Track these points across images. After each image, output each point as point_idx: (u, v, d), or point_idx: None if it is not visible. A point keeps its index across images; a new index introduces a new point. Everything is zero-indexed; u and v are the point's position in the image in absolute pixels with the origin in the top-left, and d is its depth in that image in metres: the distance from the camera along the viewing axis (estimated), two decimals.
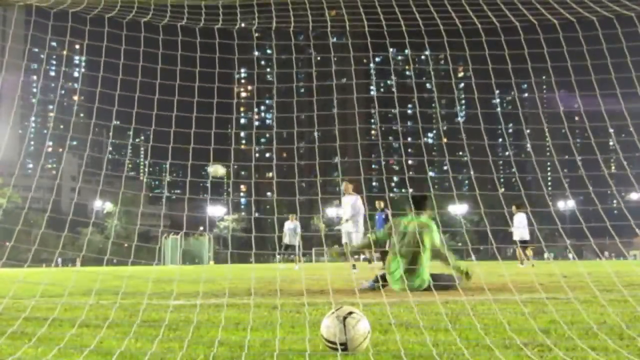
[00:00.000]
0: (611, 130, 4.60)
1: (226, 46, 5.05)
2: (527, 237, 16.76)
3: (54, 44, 5.49)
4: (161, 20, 4.32)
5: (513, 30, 4.39)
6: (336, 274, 12.19)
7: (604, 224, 3.87)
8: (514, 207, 16.55)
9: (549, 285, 6.93)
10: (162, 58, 4.49)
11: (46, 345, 2.81)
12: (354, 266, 12.65)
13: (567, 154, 6.04)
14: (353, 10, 4.70)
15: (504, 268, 13.13)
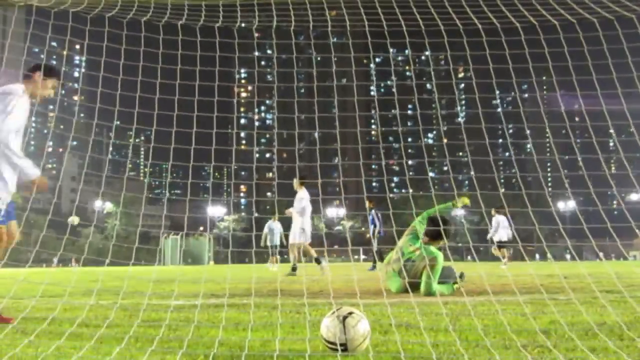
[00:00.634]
0: (611, 131, 4.60)
1: (226, 46, 5.06)
2: (505, 238, 17.58)
3: (54, 43, 5.48)
4: (161, 19, 4.32)
5: (514, 30, 4.39)
6: (336, 274, 12.18)
7: (604, 225, 3.87)
8: (493, 210, 17.47)
9: (549, 286, 6.92)
10: (162, 58, 4.49)
11: (46, 345, 2.81)
12: (294, 269, 12.20)
13: (567, 154, 6.05)
14: (353, 10, 4.69)
15: (504, 268, 13.14)
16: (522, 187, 3.99)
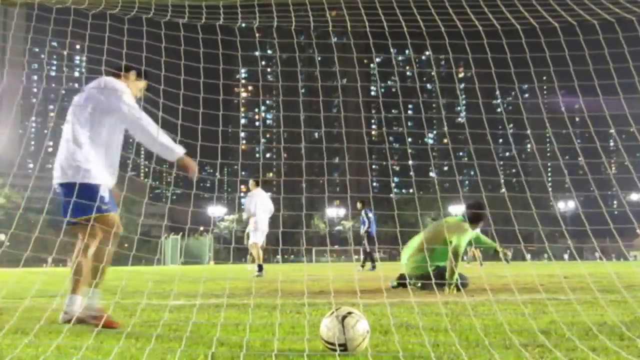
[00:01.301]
0: (612, 131, 4.60)
1: (228, 44, 5.06)
2: None
3: (54, 43, 5.49)
4: (162, 18, 4.31)
5: (514, 32, 4.39)
6: (337, 274, 12.17)
7: (604, 226, 3.86)
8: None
9: (549, 286, 6.92)
10: (162, 58, 4.49)
11: (46, 345, 2.81)
12: (260, 268, 12.47)
13: (567, 154, 6.04)
14: (354, 10, 4.69)
15: (504, 269, 13.14)
16: (526, 189, 3.98)
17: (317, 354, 2.54)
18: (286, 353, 2.58)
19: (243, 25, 4.53)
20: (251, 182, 12.92)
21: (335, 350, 2.50)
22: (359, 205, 17.04)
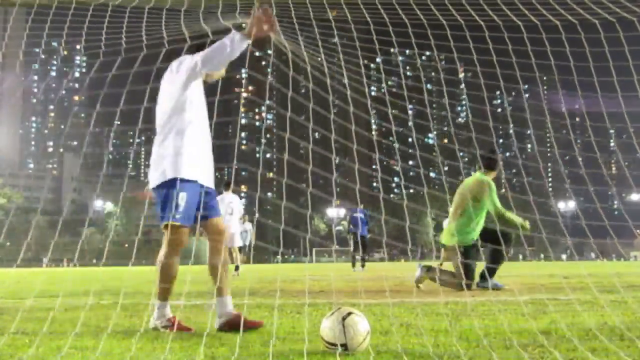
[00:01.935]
0: (612, 131, 4.60)
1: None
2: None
3: (54, 43, 5.49)
4: (159, 19, 4.31)
5: (515, 28, 4.39)
6: (338, 275, 12.17)
7: (604, 226, 3.86)
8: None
9: (549, 286, 6.92)
10: (162, 57, 4.49)
11: (46, 346, 2.81)
12: (237, 268, 13.36)
13: (568, 154, 6.02)
14: (354, 11, 4.69)
15: (504, 268, 13.13)
16: (529, 192, 3.98)
17: (317, 354, 2.54)
18: (287, 353, 2.58)
19: (243, 25, 4.53)
20: (224, 185, 13.35)
21: (336, 350, 2.50)
22: (361, 206, 17.19)
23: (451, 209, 6.98)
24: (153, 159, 3.48)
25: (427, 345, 2.64)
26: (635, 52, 4.06)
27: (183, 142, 3.36)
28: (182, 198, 3.32)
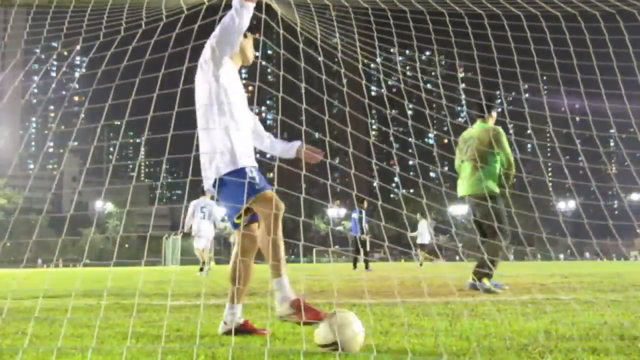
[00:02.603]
0: (612, 131, 4.59)
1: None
2: (426, 241, 20.25)
3: (54, 44, 5.49)
4: (159, 19, 4.31)
5: (516, 27, 4.40)
6: (338, 275, 12.17)
7: (604, 226, 3.86)
8: (418, 215, 20.26)
9: (549, 286, 6.92)
10: (161, 57, 4.48)
11: (47, 346, 2.81)
12: (201, 269, 13.93)
13: (568, 154, 6.02)
14: (354, 10, 4.70)
15: (504, 268, 13.14)
16: (528, 190, 3.97)
17: (316, 354, 2.54)
18: (287, 353, 2.58)
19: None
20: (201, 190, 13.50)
21: (334, 350, 2.51)
22: (365, 204, 17.15)
23: (464, 165, 6.75)
24: (204, 160, 3.38)
25: (427, 345, 2.64)
26: (636, 52, 4.06)
27: (230, 135, 3.29)
28: (252, 171, 3.22)
